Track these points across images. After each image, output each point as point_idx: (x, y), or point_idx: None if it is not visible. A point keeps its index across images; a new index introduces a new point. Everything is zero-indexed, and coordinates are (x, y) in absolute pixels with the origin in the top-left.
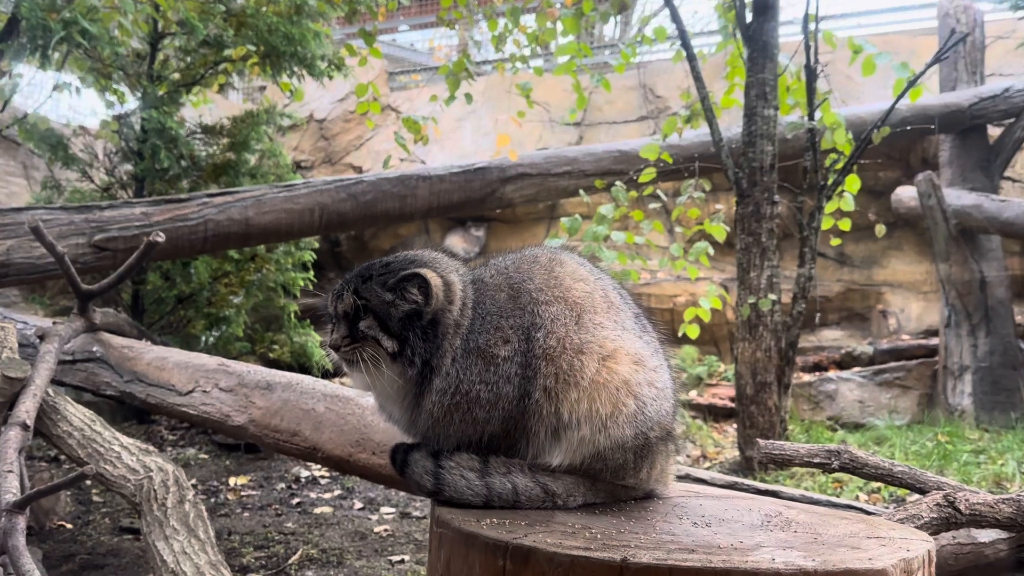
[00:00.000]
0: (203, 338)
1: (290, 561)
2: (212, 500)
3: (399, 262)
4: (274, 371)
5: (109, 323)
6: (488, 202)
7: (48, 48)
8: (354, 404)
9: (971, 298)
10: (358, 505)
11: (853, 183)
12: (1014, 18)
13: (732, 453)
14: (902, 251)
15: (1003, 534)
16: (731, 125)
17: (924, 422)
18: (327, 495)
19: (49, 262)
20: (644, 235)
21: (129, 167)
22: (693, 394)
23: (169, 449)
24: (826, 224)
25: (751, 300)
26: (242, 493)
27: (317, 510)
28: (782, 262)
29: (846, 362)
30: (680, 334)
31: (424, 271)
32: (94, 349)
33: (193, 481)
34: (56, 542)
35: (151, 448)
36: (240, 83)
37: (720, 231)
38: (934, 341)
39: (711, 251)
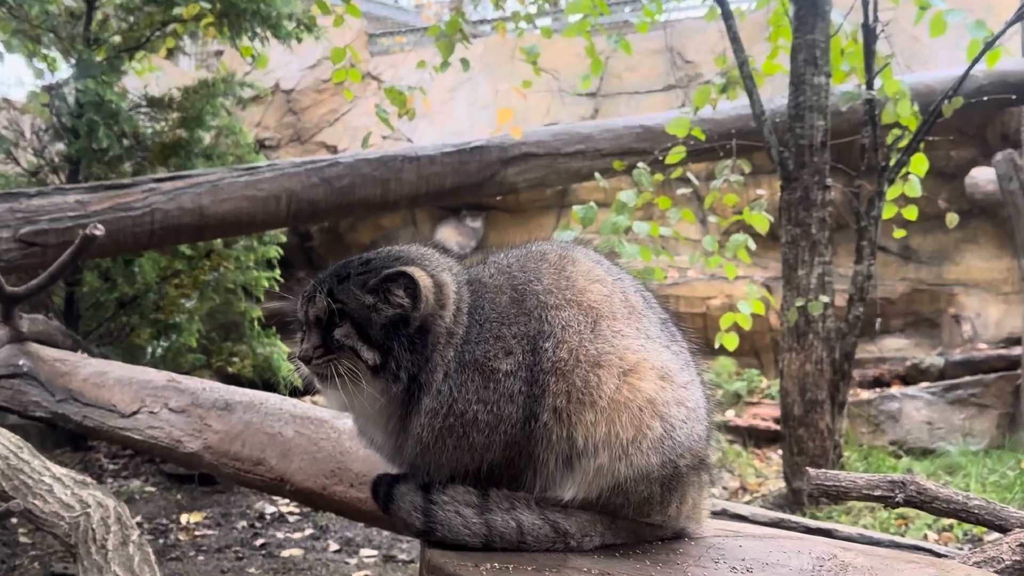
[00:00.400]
0: (150, 349)
1: None
2: (161, 541)
3: (381, 259)
4: (234, 388)
5: (38, 332)
6: (486, 187)
7: None
8: (329, 427)
9: None
10: (333, 547)
11: (920, 164)
12: None
13: (777, 484)
14: (978, 244)
15: None
16: (775, 95)
17: (1005, 447)
18: (297, 535)
19: None
20: (672, 226)
21: (62, 147)
22: (731, 414)
23: (110, 481)
24: (888, 212)
25: (799, 303)
26: (196, 533)
27: (285, 553)
28: (836, 258)
29: (912, 376)
30: (715, 344)
31: (411, 269)
32: (20, 363)
33: (138, 519)
34: None
35: (88, 480)
36: (192, 47)
37: (762, 221)
38: (1016, 351)
39: (751, 245)
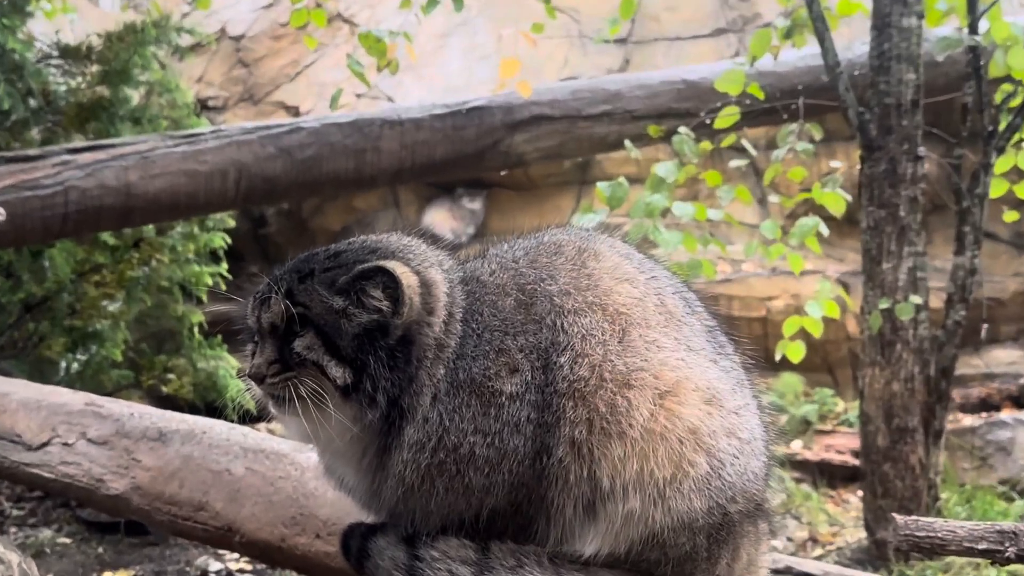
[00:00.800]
0: (63, 364)
1: None
2: None
3: (354, 252)
4: (169, 414)
5: None
6: (488, 159)
7: None
8: (288, 463)
9: None
10: None
11: None
12: None
13: (856, 535)
14: None
15: None
16: (853, 42)
17: None
18: None
19: None
20: (722, 208)
21: None
22: (797, 446)
23: (14, 530)
24: (996, 190)
25: (884, 304)
26: None
27: None
28: (930, 247)
29: None
30: (777, 356)
31: (391, 264)
32: None
33: None
34: None
35: None
36: None
37: (837, 201)
38: None
39: (823, 231)
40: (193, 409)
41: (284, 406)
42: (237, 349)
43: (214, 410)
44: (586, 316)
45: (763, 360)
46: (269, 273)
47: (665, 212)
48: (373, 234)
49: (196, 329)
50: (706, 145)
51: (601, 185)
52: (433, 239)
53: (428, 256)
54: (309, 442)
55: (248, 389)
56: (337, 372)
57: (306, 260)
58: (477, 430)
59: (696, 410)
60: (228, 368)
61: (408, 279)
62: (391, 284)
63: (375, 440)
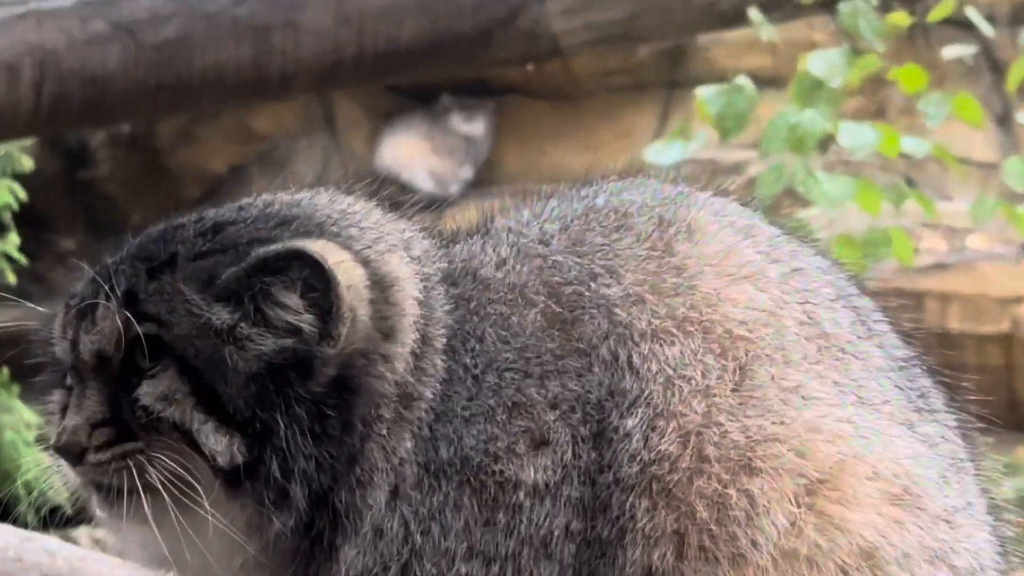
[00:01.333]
0: None
1: None
2: None
3: (250, 224)
4: None
5: None
6: (497, 44)
7: None
8: None
9: None
10: None
11: None
12: None
13: None
14: None
15: None
16: None
17: None
18: None
19: None
20: (929, 134)
21: None
22: None
23: None
24: None
25: None
26: None
27: None
28: None
29: None
30: None
31: (318, 247)
32: None
33: None
34: None
35: None
36: None
37: None
38: None
39: None
40: None
41: (120, 504)
42: (36, 396)
43: None
44: (674, 344)
45: (1005, 417)
46: (96, 261)
47: (825, 142)
48: (285, 190)
49: None
50: (900, 18)
51: (704, 92)
52: (394, 201)
53: (385, 232)
54: (165, 568)
55: (56, 469)
56: (218, 443)
57: (161, 239)
58: (473, 553)
59: (874, 515)
60: (21, 428)
61: (349, 274)
62: (318, 283)
63: (286, 570)
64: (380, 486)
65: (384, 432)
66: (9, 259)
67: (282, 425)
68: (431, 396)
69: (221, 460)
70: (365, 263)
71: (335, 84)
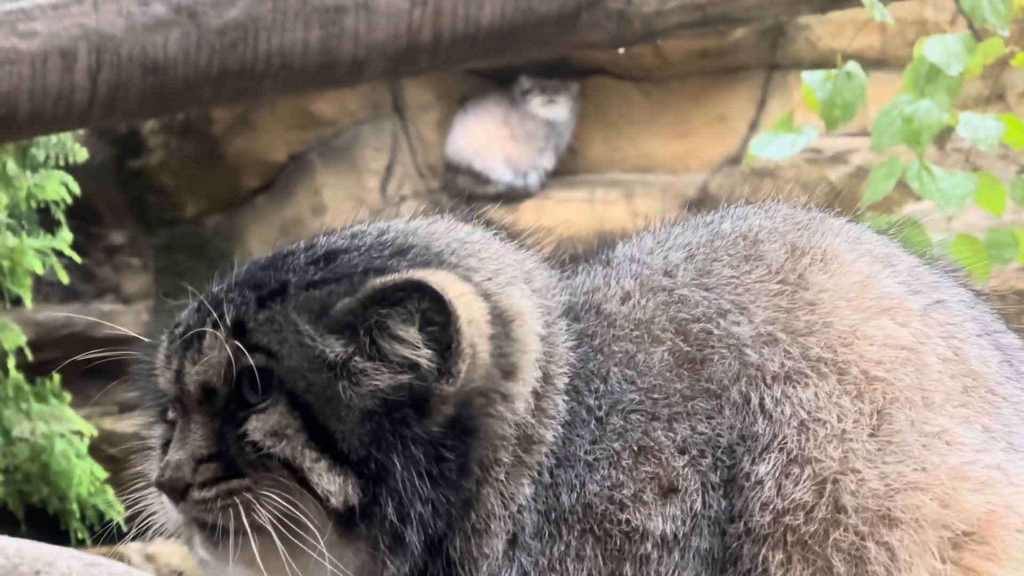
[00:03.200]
0: None
1: None
2: None
3: (364, 251)
4: None
5: None
6: (584, 26)
7: None
8: None
9: None
10: None
11: None
12: None
13: None
14: None
15: None
16: None
17: None
18: None
19: None
20: None
21: None
22: None
23: None
24: None
25: None
26: None
27: None
28: None
29: None
30: None
31: (438, 279)
32: None
33: None
34: None
35: None
36: None
37: None
38: None
39: None
40: (3, 517)
41: (225, 544)
42: (87, 399)
43: (47, 521)
44: (808, 386)
45: None
46: (202, 287)
47: (944, 134)
48: (397, 218)
49: (11, 362)
50: None
51: (810, 77)
52: (510, 231)
53: (506, 263)
54: None
55: (157, 506)
56: (332, 483)
57: (271, 266)
58: None
59: (1022, 570)
60: (73, 439)
61: (470, 307)
62: (437, 316)
63: None
64: (497, 534)
65: (502, 477)
66: (62, 256)
67: (398, 466)
68: (552, 439)
69: (335, 501)
70: (486, 296)
71: (410, 70)
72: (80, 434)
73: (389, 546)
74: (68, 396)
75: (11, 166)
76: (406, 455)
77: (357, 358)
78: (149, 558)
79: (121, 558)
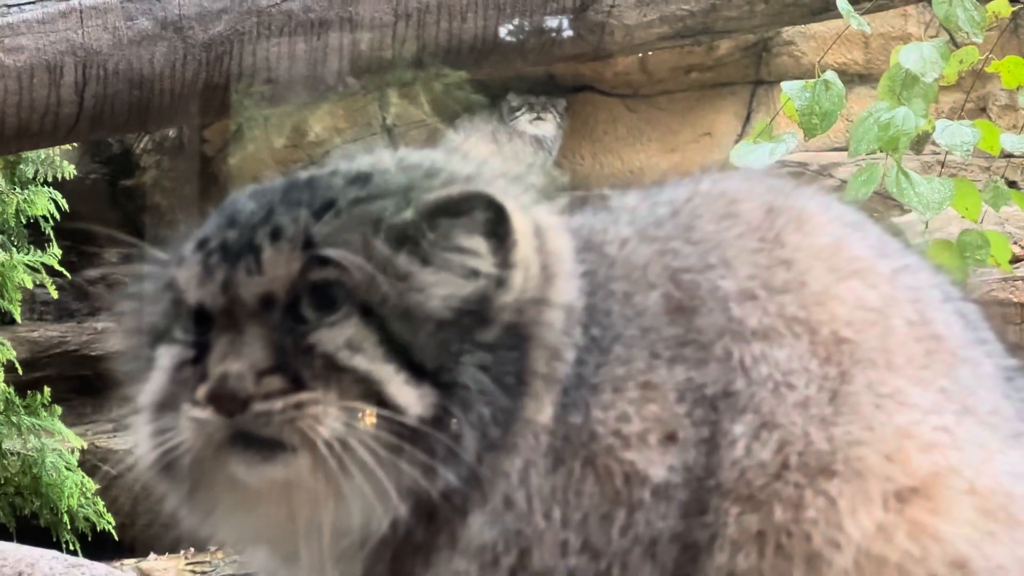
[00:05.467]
0: None
1: None
2: None
3: (398, 172)
4: None
5: None
6: (563, 39)
7: None
8: None
9: None
10: None
11: None
12: None
13: None
14: None
15: None
16: None
17: None
18: None
19: None
20: None
21: None
22: None
23: None
24: None
25: None
26: None
27: None
28: None
29: None
30: None
31: (495, 190)
32: None
33: None
34: None
35: None
36: None
37: None
38: None
39: None
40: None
41: (273, 460)
42: (82, 417)
43: (39, 533)
44: (784, 346)
45: None
46: (247, 196)
47: (920, 141)
48: (418, 148)
49: (0, 375)
50: (1001, 6)
51: (790, 87)
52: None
53: (525, 186)
54: (254, 546)
55: (163, 429)
56: (410, 395)
57: (307, 187)
58: (586, 546)
59: (966, 528)
60: (64, 452)
61: (521, 220)
62: (498, 228)
63: (416, 537)
64: (522, 451)
65: (539, 390)
66: (51, 271)
67: (468, 374)
68: (571, 359)
69: (412, 412)
70: (524, 211)
71: (395, 82)
72: (71, 448)
73: (446, 456)
74: (59, 409)
75: (0, 182)
76: (474, 363)
77: (425, 269)
78: (143, 573)
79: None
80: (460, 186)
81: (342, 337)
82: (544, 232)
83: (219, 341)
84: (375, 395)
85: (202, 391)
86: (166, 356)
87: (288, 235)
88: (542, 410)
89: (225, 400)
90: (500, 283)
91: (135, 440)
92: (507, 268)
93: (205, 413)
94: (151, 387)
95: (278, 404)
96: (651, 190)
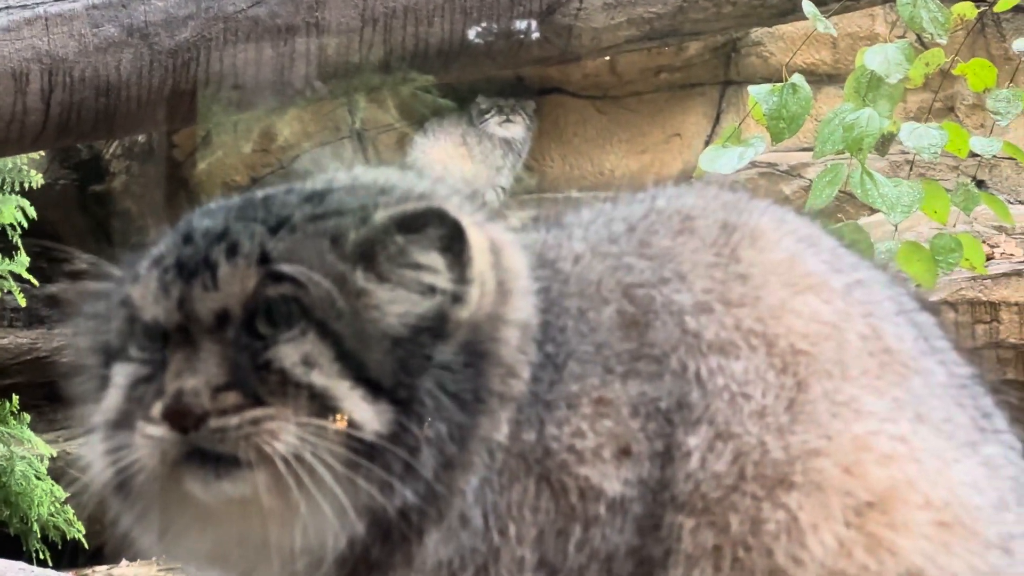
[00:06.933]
0: None
1: None
2: None
3: (352, 190)
4: None
5: None
6: (533, 44)
7: None
8: None
9: None
10: None
11: None
12: None
13: None
14: None
15: None
16: None
17: None
18: None
19: None
20: (999, 132)
21: None
22: None
23: None
24: None
25: None
26: None
27: None
28: None
29: None
30: None
31: (451, 207)
32: None
33: None
34: None
35: None
36: None
37: None
38: None
39: None
40: None
41: (229, 477)
42: (52, 424)
43: (8, 542)
44: (740, 358)
45: None
46: (199, 214)
47: (885, 142)
48: (377, 168)
49: None
50: (966, 8)
51: (757, 90)
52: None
53: (478, 204)
54: (212, 567)
55: (118, 446)
56: (366, 411)
57: (262, 205)
58: (543, 563)
59: (922, 540)
60: (34, 460)
61: (476, 236)
62: (454, 244)
63: (373, 554)
64: (478, 468)
65: (495, 407)
66: (20, 280)
67: (425, 391)
68: (526, 377)
69: (368, 429)
70: (479, 228)
71: (363, 87)
72: (40, 456)
73: (403, 473)
74: (28, 417)
75: None
76: (432, 380)
77: (380, 285)
78: None
79: None
80: (415, 203)
81: (298, 353)
82: (500, 249)
83: (174, 358)
84: (332, 411)
85: (157, 408)
86: (121, 374)
87: (244, 251)
88: (498, 428)
89: (181, 416)
90: (456, 299)
91: (90, 459)
92: (463, 284)
93: (160, 430)
94: (106, 405)
95: (234, 420)
96: (606, 206)
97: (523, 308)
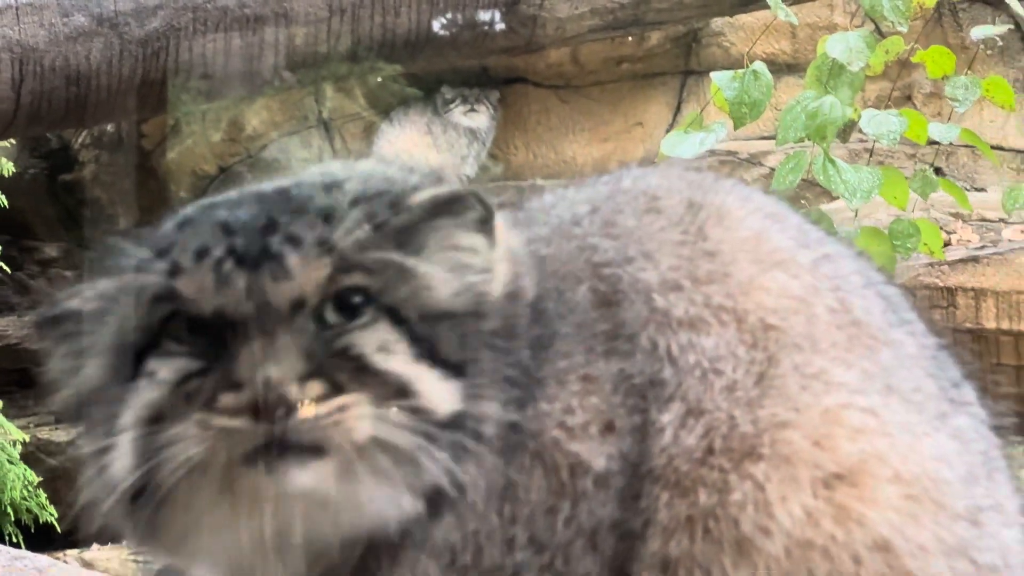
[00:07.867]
0: None
1: None
2: None
3: (364, 180)
4: None
5: None
6: (494, 33)
7: None
8: None
9: None
10: None
11: None
12: None
13: None
14: None
15: None
16: None
17: None
18: None
19: None
20: (957, 117)
21: None
22: None
23: None
24: None
25: None
26: None
27: None
28: None
29: None
30: None
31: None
32: None
33: None
34: None
35: None
36: None
37: None
38: None
39: None
40: None
41: (317, 465)
42: (23, 410)
43: None
44: (711, 334)
45: None
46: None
47: (847, 130)
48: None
49: None
50: None
51: (719, 77)
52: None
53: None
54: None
55: (174, 439)
56: (440, 392)
57: (292, 194)
58: (531, 541)
59: (890, 512)
60: (6, 445)
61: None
62: (487, 226)
63: (412, 536)
64: (491, 447)
65: (523, 383)
66: None
67: (484, 367)
68: (524, 354)
69: (443, 410)
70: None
71: (330, 76)
72: (13, 441)
73: (467, 453)
74: (0, 403)
75: None
76: (486, 355)
77: (432, 267)
78: (86, 564)
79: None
80: (450, 187)
81: (375, 340)
82: (505, 231)
83: (246, 349)
84: (407, 395)
85: (230, 399)
86: (164, 368)
87: (309, 241)
88: (506, 405)
89: (273, 407)
90: (492, 278)
91: (112, 458)
92: (495, 263)
93: (237, 421)
94: (142, 400)
95: (323, 409)
96: (568, 191)
97: (529, 286)
